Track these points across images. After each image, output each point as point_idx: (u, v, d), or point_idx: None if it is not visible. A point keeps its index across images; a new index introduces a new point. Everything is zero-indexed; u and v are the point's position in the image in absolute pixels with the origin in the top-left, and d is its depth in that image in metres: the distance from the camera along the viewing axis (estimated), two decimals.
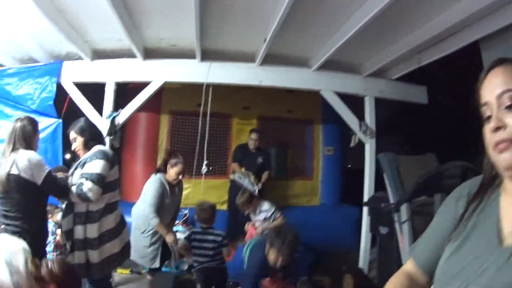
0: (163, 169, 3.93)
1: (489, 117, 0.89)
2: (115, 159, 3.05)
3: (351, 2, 3.26)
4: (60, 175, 3.71)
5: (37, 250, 2.58)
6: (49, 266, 2.20)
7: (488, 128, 0.89)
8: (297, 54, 4.63)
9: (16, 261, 2.08)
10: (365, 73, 4.98)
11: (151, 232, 3.80)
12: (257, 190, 5.28)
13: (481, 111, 0.93)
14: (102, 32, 4.07)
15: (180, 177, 3.90)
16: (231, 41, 4.32)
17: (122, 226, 3.08)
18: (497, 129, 0.86)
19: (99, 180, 2.77)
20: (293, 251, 3.38)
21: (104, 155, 2.88)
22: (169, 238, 3.74)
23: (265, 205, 4.46)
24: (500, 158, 0.86)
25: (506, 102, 0.87)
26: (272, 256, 3.32)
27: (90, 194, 2.72)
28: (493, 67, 0.94)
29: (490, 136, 0.88)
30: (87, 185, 2.72)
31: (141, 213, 3.84)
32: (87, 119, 3.24)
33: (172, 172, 3.86)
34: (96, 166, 2.81)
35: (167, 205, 3.86)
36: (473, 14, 3.04)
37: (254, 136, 5.55)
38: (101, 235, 2.84)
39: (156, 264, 3.86)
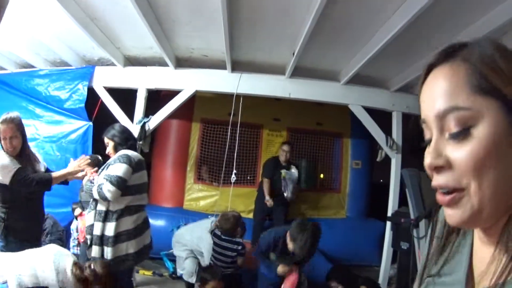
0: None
1: (430, 141, 0.59)
2: (140, 164, 3.14)
3: (377, 18, 3.28)
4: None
5: (27, 233, 2.96)
6: (92, 267, 2.43)
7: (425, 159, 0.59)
8: (326, 67, 4.68)
9: (64, 262, 2.34)
10: (393, 88, 4.99)
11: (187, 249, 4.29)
12: (290, 199, 5.40)
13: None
14: (134, 40, 4.23)
15: None
16: (261, 54, 4.41)
17: (142, 228, 3.14)
18: (436, 169, 0.58)
19: (118, 182, 2.88)
20: (312, 246, 3.43)
21: (126, 159, 2.99)
22: None
23: None
24: (446, 213, 0.59)
25: (451, 127, 0.56)
26: (291, 246, 3.42)
27: (108, 195, 2.85)
28: (435, 64, 0.61)
29: (429, 172, 0.60)
30: (107, 186, 2.85)
31: (181, 240, 4.43)
32: (120, 126, 3.36)
33: None
34: (118, 169, 2.93)
35: None
36: (503, 24, 2.91)
37: (286, 148, 5.54)
38: (118, 234, 2.94)
39: (192, 280, 4.12)
